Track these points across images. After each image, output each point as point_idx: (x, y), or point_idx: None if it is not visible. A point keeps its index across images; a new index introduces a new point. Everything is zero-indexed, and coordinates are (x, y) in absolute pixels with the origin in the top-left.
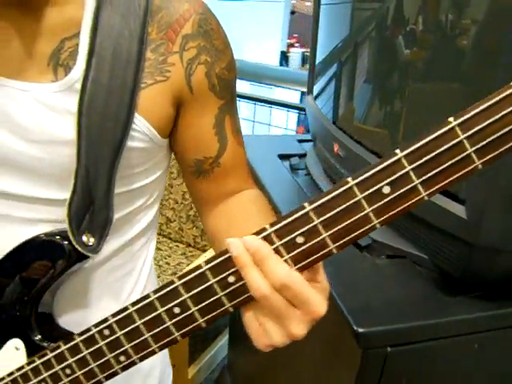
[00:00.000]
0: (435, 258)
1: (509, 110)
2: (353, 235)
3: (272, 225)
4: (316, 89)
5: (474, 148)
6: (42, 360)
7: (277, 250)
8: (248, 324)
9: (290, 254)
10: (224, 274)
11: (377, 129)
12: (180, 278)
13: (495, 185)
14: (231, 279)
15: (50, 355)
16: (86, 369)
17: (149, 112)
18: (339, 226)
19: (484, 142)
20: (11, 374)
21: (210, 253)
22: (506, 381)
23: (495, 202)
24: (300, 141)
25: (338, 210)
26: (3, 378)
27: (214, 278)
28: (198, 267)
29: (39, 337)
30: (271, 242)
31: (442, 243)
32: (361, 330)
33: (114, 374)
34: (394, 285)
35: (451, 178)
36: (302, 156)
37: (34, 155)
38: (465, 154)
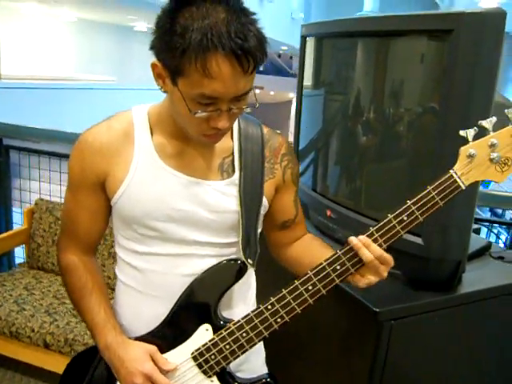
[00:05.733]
0: (405, 270)
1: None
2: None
3: (374, 227)
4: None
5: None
6: (231, 328)
7: (376, 239)
8: (357, 280)
9: (382, 239)
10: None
11: (350, 200)
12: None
13: (437, 225)
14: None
15: (233, 327)
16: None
17: (267, 194)
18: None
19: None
20: (205, 344)
21: None
22: (454, 340)
23: (438, 234)
24: None
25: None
26: (199, 349)
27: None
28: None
29: (220, 321)
30: (372, 235)
31: (409, 261)
32: (377, 309)
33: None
34: (385, 287)
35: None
36: None
37: (212, 219)
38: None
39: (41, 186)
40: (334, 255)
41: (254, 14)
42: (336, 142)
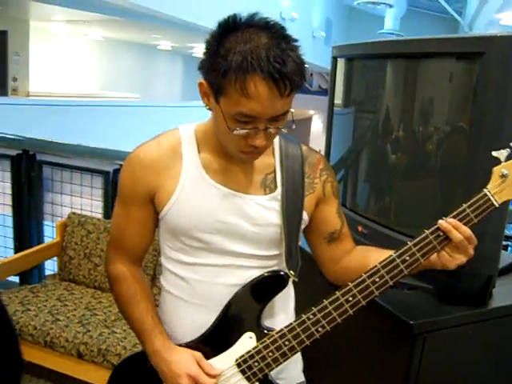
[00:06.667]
0: (437, 285)
1: None
2: None
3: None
4: None
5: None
6: (274, 337)
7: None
8: (445, 261)
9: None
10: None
11: (381, 216)
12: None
13: None
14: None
15: (276, 335)
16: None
17: (307, 208)
18: None
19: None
20: (248, 351)
21: None
22: (487, 350)
23: None
24: None
25: None
26: (243, 355)
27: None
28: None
29: (264, 330)
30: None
31: (441, 275)
32: (412, 322)
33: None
34: (418, 301)
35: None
36: None
37: (255, 231)
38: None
39: (72, 201)
40: (373, 268)
41: (296, 41)
42: (366, 159)
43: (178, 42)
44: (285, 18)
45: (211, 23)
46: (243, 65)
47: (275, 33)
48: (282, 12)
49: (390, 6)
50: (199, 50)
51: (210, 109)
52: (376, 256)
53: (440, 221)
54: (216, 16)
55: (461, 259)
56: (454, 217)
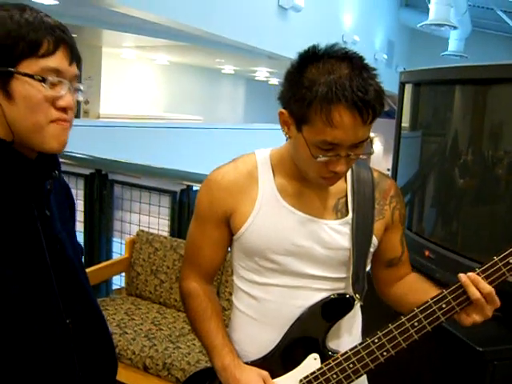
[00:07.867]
0: (506, 312)
1: None
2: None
3: (480, 268)
4: None
5: None
6: (339, 359)
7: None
8: (462, 319)
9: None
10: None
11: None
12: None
13: None
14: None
15: (340, 358)
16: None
17: (377, 233)
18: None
19: None
20: (313, 373)
21: None
22: None
23: None
24: None
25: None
26: (307, 376)
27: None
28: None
29: (328, 352)
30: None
31: (510, 302)
32: (481, 349)
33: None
34: (487, 328)
35: None
36: None
37: (327, 255)
38: None
39: (140, 219)
40: (440, 294)
41: (375, 69)
42: (433, 182)
43: (241, 65)
44: (347, 42)
45: (273, 48)
46: (328, 95)
47: (355, 63)
48: (344, 35)
49: (454, 28)
50: (261, 73)
51: (289, 137)
52: (420, 293)
53: (460, 274)
54: (279, 41)
55: (475, 319)
56: (484, 270)
